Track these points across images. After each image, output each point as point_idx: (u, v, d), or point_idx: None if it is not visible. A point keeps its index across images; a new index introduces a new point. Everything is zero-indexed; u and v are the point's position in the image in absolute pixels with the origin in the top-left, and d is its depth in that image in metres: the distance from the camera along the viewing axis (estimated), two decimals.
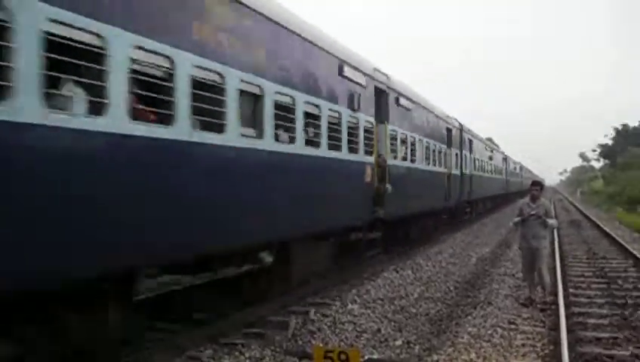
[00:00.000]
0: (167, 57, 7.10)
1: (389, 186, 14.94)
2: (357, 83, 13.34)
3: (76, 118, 5.88)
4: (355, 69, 13.34)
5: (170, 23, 7.24)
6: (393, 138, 16.08)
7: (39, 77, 5.40)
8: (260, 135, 9.18)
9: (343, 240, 13.65)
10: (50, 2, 5.51)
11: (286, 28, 10.11)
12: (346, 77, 12.71)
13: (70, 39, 5.76)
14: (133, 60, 6.59)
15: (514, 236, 20.23)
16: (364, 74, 13.96)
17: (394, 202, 15.22)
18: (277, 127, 9.68)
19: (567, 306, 10.94)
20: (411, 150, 18.02)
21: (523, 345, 8.84)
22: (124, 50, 6.40)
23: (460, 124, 27.66)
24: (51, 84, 5.64)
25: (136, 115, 6.66)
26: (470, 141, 30.14)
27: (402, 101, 16.97)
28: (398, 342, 9.45)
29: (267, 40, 9.50)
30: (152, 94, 6.96)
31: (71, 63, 5.80)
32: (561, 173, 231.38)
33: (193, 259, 8.43)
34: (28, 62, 5.29)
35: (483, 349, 8.57)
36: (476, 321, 10.23)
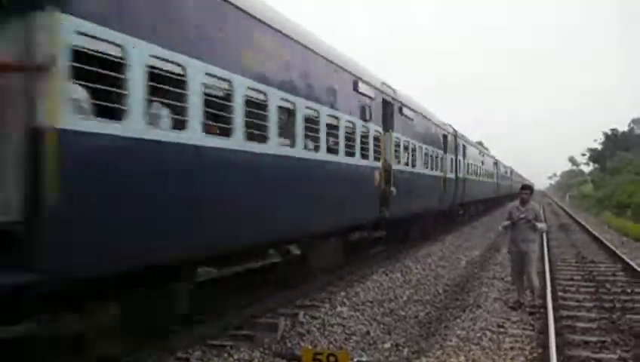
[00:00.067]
0: (228, 81, 8.50)
1: (393, 189, 16.39)
2: (368, 96, 14.86)
3: (165, 132, 7.23)
4: (367, 83, 14.88)
5: (230, 53, 8.70)
6: (397, 145, 17.47)
7: (143, 101, 6.75)
8: (292, 144, 10.59)
9: (352, 238, 14.89)
10: (153, 42, 6.90)
11: (313, 51, 11.66)
12: (359, 92, 14.19)
13: (162, 70, 7.13)
14: (205, 85, 7.93)
15: (503, 240, 20.29)
16: (374, 88, 15.49)
17: (397, 203, 16.63)
18: (305, 137, 11.11)
19: (555, 309, 10.96)
20: (412, 156, 19.45)
21: (512, 348, 8.85)
22: (199, 77, 7.76)
23: (454, 130, 29.01)
24: (149, 106, 6.96)
25: (207, 130, 7.97)
26: (464, 146, 31.48)
27: (405, 111, 18.45)
28: (387, 345, 9.45)
29: (299, 62, 11.06)
30: (217, 112, 8.25)
31: (162, 89, 7.15)
32: (550, 177, 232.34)
33: (242, 250, 9.80)
34: (136, 89, 6.63)
35: (472, 352, 8.58)
36: (465, 324, 10.24)
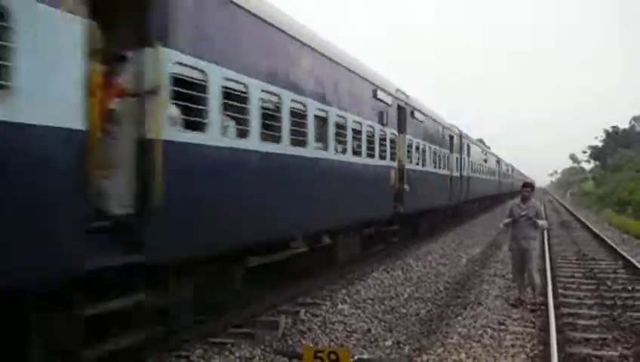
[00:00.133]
0: (278, 95, 10.03)
1: (406, 186, 17.96)
2: (385, 103, 16.43)
3: (233, 140, 8.73)
4: (384, 91, 16.43)
5: (279, 71, 10.21)
6: (409, 146, 19.14)
7: (219, 115, 8.23)
8: (325, 148, 12.17)
9: (369, 232, 16.21)
10: (226, 66, 8.39)
11: (340, 64, 13.17)
12: (378, 98, 15.79)
13: (231, 89, 8.58)
14: (262, 99, 9.44)
15: (504, 237, 20.27)
16: (390, 94, 17.04)
17: (410, 200, 18.25)
18: (335, 141, 12.65)
19: (556, 307, 10.96)
20: (423, 156, 21.13)
21: (513, 345, 8.85)
22: (257, 93, 9.29)
23: (459, 131, 30.44)
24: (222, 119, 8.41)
25: (263, 137, 9.46)
26: (468, 146, 32.98)
27: (416, 114, 20.17)
28: (388, 342, 9.46)
29: (330, 75, 12.59)
30: (269, 122, 9.70)
31: (230, 104, 8.63)
32: (551, 175, 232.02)
33: (289, 239, 11.32)
34: (214, 106, 8.12)
35: (473, 349, 8.58)
36: (466, 322, 10.25)
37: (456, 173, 27.97)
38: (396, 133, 17.61)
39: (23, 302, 5.78)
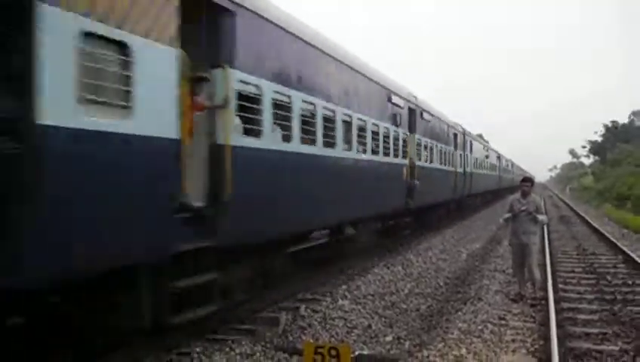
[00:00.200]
0: (313, 104, 11.47)
1: (417, 182, 19.43)
2: (398, 105, 18.05)
3: (280, 144, 10.15)
4: (398, 95, 18.11)
5: (315, 83, 11.77)
6: (419, 145, 20.73)
7: (270, 123, 9.63)
8: (349, 148, 13.64)
9: (385, 224, 18.20)
10: (275, 81, 9.85)
11: (361, 73, 14.70)
12: (392, 102, 17.43)
13: (279, 100, 10.00)
14: (301, 108, 10.91)
15: (504, 232, 20.29)
16: (402, 98, 18.65)
17: (419, 195, 19.76)
18: (358, 142, 14.15)
19: (556, 302, 10.97)
20: (430, 153, 22.79)
21: (513, 340, 8.86)
22: (298, 103, 10.78)
23: (463, 129, 32.13)
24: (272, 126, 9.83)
25: (303, 141, 10.97)
26: (471, 143, 34.63)
27: (425, 115, 21.89)
28: (389, 338, 9.47)
29: (353, 84, 14.09)
30: (307, 127, 11.17)
31: (278, 113, 9.96)
32: (550, 170, 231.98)
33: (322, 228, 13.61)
34: (267, 115, 9.50)
35: (473, 344, 8.59)
36: (466, 317, 10.25)
37: (459, 169, 29.53)
38: (407, 133, 19.22)
39: (137, 275, 7.14)
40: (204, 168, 8.29)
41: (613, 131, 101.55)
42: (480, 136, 51.28)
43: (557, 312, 10.11)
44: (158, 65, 7.01)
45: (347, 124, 13.41)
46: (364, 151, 14.66)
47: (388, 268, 15.50)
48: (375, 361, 8.10)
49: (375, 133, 15.57)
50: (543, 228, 18.23)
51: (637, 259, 15.91)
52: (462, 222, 30.46)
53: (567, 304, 11.19)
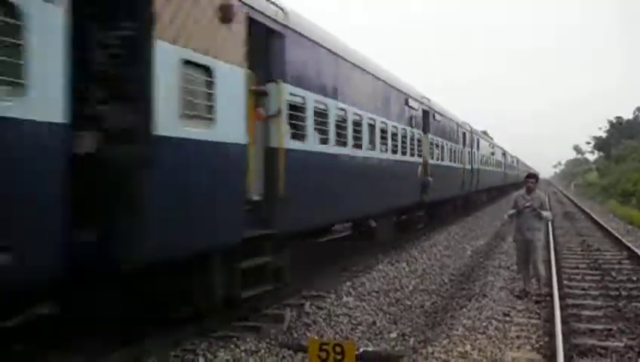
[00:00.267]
0: (344, 110, 12.94)
1: (430, 179, 20.89)
2: (413, 108, 19.58)
3: (319, 146, 11.58)
4: (413, 98, 19.61)
5: (346, 92, 13.25)
6: (431, 144, 22.23)
7: (312, 128, 11.20)
8: (373, 148, 15.02)
9: (401, 218, 19.60)
10: (315, 92, 11.37)
11: (381, 79, 16.13)
12: (409, 105, 18.93)
13: (318, 108, 11.51)
14: (335, 114, 12.31)
15: (509, 228, 20.29)
16: (417, 100, 20.18)
17: (432, 190, 21.26)
18: (380, 143, 15.61)
19: (561, 298, 10.97)
20: (442, 152, 24.28)
21: (518, 336, 8.86)
22: (334, 110, 12.21)
23: (470, 128, 33.49)
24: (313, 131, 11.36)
25: (337, 143, 12.43)
26: (478, 141, 35.98)
27: (437, 116, 23.44)
28: (393, 335, 9.48)
29: (377, 91, 15.72)
30: (340, 131, 12.60)
31: (317, 120, 11.48)
32: (555, 166, 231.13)
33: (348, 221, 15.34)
34: (309, 122, 11.06)
35: (478, 341, 8.58)
36: (471, 313, 10.25)
37: (467, 166, 30.92)
38: (422, 133, 20.71)
39: (211, 257, 8.40)
40: (261, 168, 9.60)
41: (618, 127, 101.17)
42: (485, 132, 51.24)
43: (562, 308, 10.10)
44: (232, 83, 8.43)
45: (371, 127, 14.90)
46: (386, 151, 16.17)
47: (392, 264, 15.51)
48: (380, 358, 8.11)
49: (394, 135, 17.03)
50: (547, 225, 18.20)
51: None
52: (466, 218, 30.44)
53: (572, 300, 11.18)
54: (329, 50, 12.25)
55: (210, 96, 7.90)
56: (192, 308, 8.63)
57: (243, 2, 8.73)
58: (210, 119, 7.88)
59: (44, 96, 5.60)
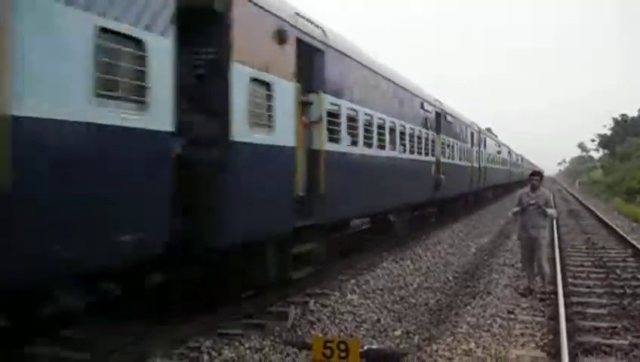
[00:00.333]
0: (371, 115, 14.44)
1: (442, 176, 22.33)
2: (428, 111, 21.16)
3: (350, 147, 13.12)
4: (428, 102, 21.26)
5: (373, 99, 14.88)
6: (443, 143, 23.69)
7: (345, 132, 12.76)
8: (394, 148, 16.50)
9: (413, 214, 20.67)
10: (348, 100, 13.00)
11: (400, 86, 17.71)
12: (424, 108, 20.55)
13: (350, 114, 13.05)
14: (364, 119, 13.89)
15: (513, 226, 20.28)
16: (431, 104, 21.80)
17: (444, 187, 22.72)
18: (399, 143, 17.03)
19: (566, 296, 10.95)
20: (452, 151, 25.70)
21: (522, 334, 8.86)
22: (362, 116, 13.79)
23: (478, 127, 35.09)
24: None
25: (364, 144, 13.88)
26: (485, 140, 37.46)
27: (448, 118, 24.95)
28: (398, 332, 9.48)
29: (396, 96, 17.21)
30: (367, 134, 14.14)
31: (349, 124, 12.99)
32: (559, 164, 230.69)
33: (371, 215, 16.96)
34: (343, 126, 12.65)
35: (482, 339, 8.59)
36: (475, 311, 10.25)
37: (475, 165, 32.30)
38: (434, 134, 22.18)
39: (266, 244, 9.88)
40: (305, 167, 10.86)
41: (623, 125, 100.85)
42: (489, 130, 51.33)
43: (566, 306, 10.10)
44: (286, 95, 9.94)
45: (392, 130, 16.36)
46: (404, 151, 17.60)
47: (397, 262, 15.51)
48: (384, 355, 8.11)
49: (411, 136, 18.56)
50: (552, 222, 18.19)
51: None
52: (470, 216, 30.41)
53: (577, 298, 11.17)
54: (358, 62, 13.87)
55: (270, 107, 9.43)
56: (254, 284, 10.28)
57: (294, 26, 10.29)
58: (270, 126, 9.42)
59: (159, 110, 6.99)
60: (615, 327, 9.19)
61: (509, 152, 55.90)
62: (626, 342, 8.47)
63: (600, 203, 46.90)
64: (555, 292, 11.06)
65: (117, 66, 6.49)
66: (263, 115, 9.27)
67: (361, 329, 9.64)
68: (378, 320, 10.11)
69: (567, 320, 9.23)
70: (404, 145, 17.55)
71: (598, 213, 31.38)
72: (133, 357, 7.53)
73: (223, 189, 8.28)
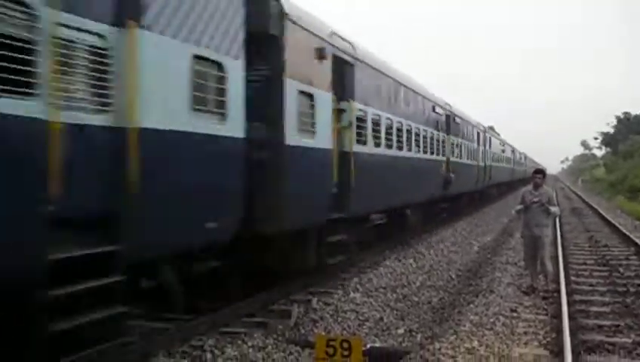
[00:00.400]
0: (391, 119, 15.95)
1: (452, 175, 23.67)
2: (439, 113, 22.75)
3: (374, 148, 14.56)
4: (439, 105, 22.87)
5: (394, 105, 16.63)
6: (452, 144, 25.04)
7: (371, 135, 14.19)
8: (409, 149, 17.95)
9: (425, 208, 21.86)
10: (373, 107, 14.50)
11: (419, 93, 19.72)
12: (435, 112, 22.11)
13: (374, 119, 14.60)
14: (385, 123, 15.43)
15: (516, 225, 20.27)
16: (441, 107, 23.39)
17: (453, 184, 24.01)
18: (415, 144, 18.63)
19: (569, 294, 10.95)
20: (460, 150, 27.23)
21: (525, 332, 8.86)
22: (384, 120, 15.33)
23: (484, 127, 36.68)
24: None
25: (386, 146, 15.57)
26: (490, 139, 38.92)
27: (456, 119, 26.43)
28: (401, 331, 9.48)
29: (411, 101, 18.68)
30: (389, 136, 15.78)
31: (373, 128, 14.51)
32: (562, 162, 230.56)
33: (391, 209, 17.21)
34: (369, 130, 14.10)
35: (485, 337, 8.58)
36: (478, 309, 10.24)
37: (481, 163, 33.59)
38: (445, 135, 23.62)
39: (307, 233, 11.27)
40: (337, 166, 12.09)
41: (626, 123, 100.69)
42: (491, 128, 51.36)
43: (569, 304, 10.08)
44: (324, 105, 11.46)
45: (408, 132, 17.86)
46: (419, 151, 19.14)
47: (399, 260, 15.51)
48: (387, 354, 8.11)
49: (425, 137, 20.08)
50: (555, 221, 18.18)
51: None
52: (473, 214, 30.40)
53: (580, 296, 11.16)
54: (380, 72, 15.40)
55: (312, 115, 10.96)
56: (299, 268, 11.52)
57: (331, 44, 11.84)
58: (313, 132, 10.93)
59: (235, 120, 8.49)
60: (618, 325, 9.19)
61: (513, 151, 56.70)
62: (629, 340, 8.47)
63: (603, 201, 46.84)
64: (558, 291, 11.05)
65: (205, 86, 7.96)
66: (308, 122, 10.81)
67: (364, 327, 9.65)
68: (381, 319, 10.12)
69: (570, 318, 9.21)
70: (418, 145, 19.08)
71: (601, 211, 31.35)
72: (139, 355, 7.55)
73: (280, 185, 9.82)
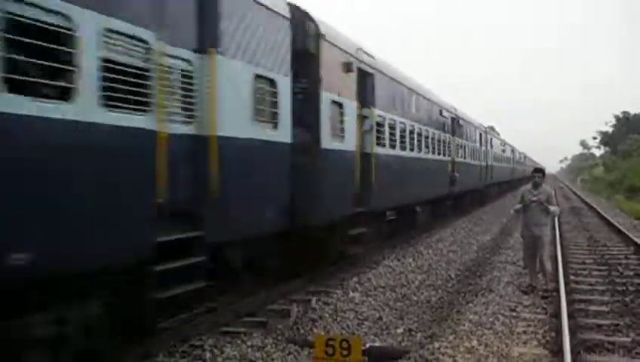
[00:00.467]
0: (404, 123, 17.52)
1: (457, 174, 25.36)
2: (445, 117, 24.34)
3: (390, 150, 16.08)
4: (445, 109, 24.56)
5: (409, 110, 18.43)
6: (457, 145, 26.72)
7: (388, 137, 15.97)
8: (420, 150, 19.48)
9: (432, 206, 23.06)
10: (388, 111, 16.00)
11: (427, 98, 21.53)
12: (442, 115, 23.82)
13: (390, 123, 16.13)
14: (399, 127, 17.00)
15: (515, 224, 20.27)
16: (447, 110, 25.06)
17: (458, 183, 25.69)
18: (424, 146, 20.25)
19: (568, 293, 10.95)
20: (465, 151, 28.88)
21: (524, 332, 8.86)
22: (399, 124, 16.94)
23: (485, 128, 38.37)
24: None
25: (401, 147, 17.03)
26: (491, 140, 40.50)
27: (461, 121, 28.11)
28: (400, 330, 9.47)
29: (421, 106, 20.41)
30: (402, 138, 17.29)
31: (390, 132, 16.09)
32: (561, 161, 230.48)
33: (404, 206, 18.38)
34: (386, 133, 15.84)
35: (484, 336, 8.58)
36: (477, 309, 10.25)
37: (483, 163, 35.21)
38: (450, 136, 25.25)
39: (335, 226, 12.43)
40: (359, 166, 13.48)
41: (625, 122, 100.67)
42: (492, 128, 51.41)
43: (568, 304, 10.09)
44: (351, 112, 13.03)
45: (419, 134, 19.56)
46: (427, 152, 20.77)
47: (398, 260, 15.51)
48: (386, 353, 8.11)
49: (432, 139, 21.74)
50: (554, 220, 18.18)
51: None
52: (472, 213, 30.40)
53: (579, 295, 11.17)
54: (395, 80, 16.99)
55: (342, 122, 12.52)
56: (327, 257, 12.89)
57: (356, 58, 13.43)
58: (342, 136, 12.54)
59: (284, 128, 10.17)
60: (617, 324, 9.19)
61: (513, 150, 57.61)
62: (629, 339, 8.47)
63: (602, 200, 46.82)
64: (557, 290, 11.06)
65: (263, 99, 9.53)
66: (338, 128, 12.39)
67: (363, 326, 9.64)
68: (380, 318, 10.11)
69: (569, 317, 9.23)
70: (427, 147, 20.76)
71: (600, 211, 31.35)
72: (139, 354, 7.54)
73: (318, 183, 11.31)
